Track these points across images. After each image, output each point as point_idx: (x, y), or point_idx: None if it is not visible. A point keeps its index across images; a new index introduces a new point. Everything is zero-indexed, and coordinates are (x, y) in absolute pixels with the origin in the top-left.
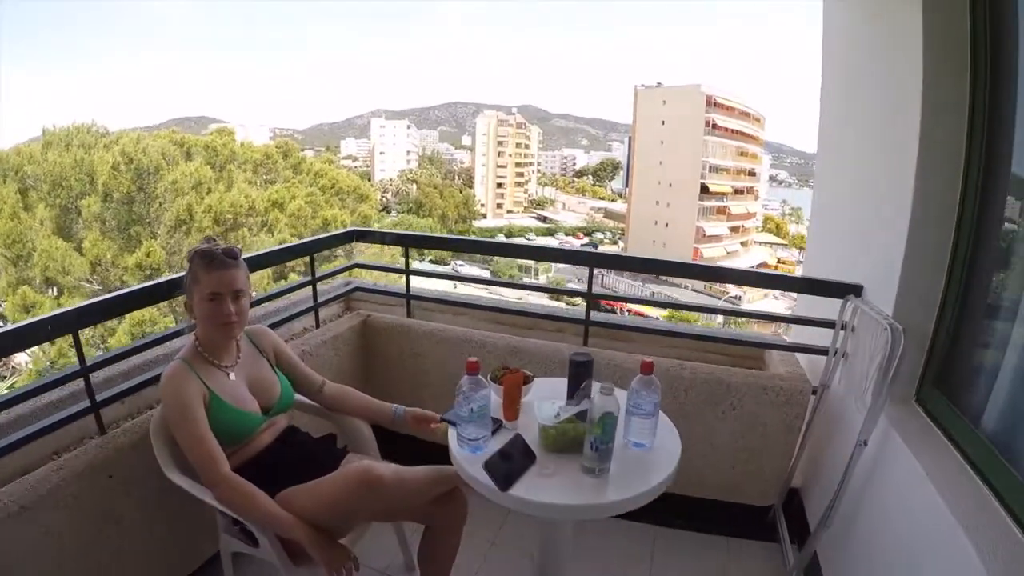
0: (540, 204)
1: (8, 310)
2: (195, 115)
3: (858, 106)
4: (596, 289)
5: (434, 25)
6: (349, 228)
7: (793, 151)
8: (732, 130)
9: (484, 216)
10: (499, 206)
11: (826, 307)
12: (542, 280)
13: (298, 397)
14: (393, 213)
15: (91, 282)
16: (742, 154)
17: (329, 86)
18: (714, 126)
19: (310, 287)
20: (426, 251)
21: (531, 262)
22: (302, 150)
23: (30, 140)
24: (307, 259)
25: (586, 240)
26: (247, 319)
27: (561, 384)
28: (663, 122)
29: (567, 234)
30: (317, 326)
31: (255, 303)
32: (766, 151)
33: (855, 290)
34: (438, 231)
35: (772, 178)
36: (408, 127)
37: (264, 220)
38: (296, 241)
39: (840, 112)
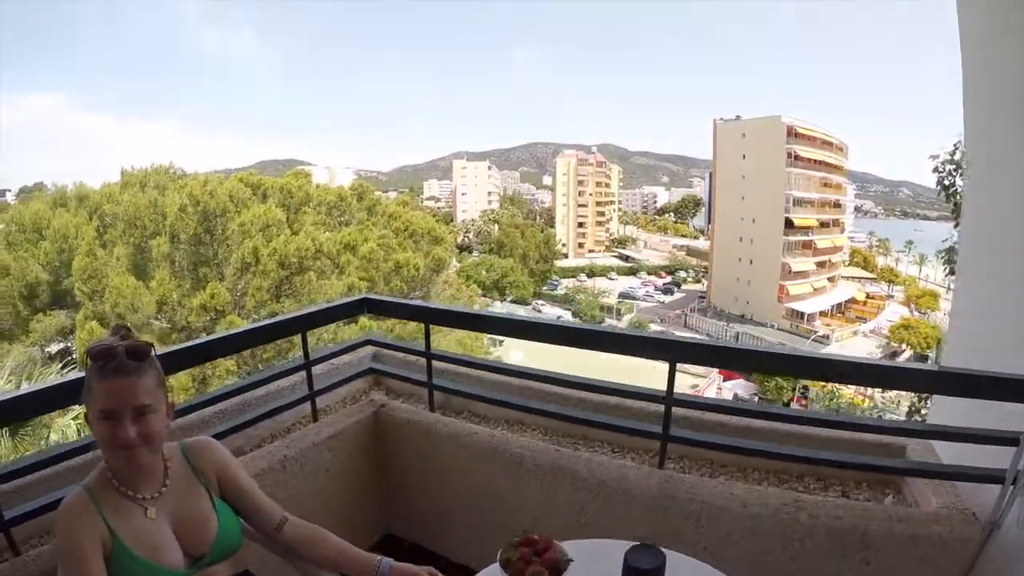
0: (622, 243)
1: (78, 343)
2: (283, 158)
3: None
4: (677, 329)
5: (513, 68)
6: (358, 296)
7: (877, 179)
8: (815, 160)
9: (566, 255)
10: (580, 245)
11: (987, 410)
12: (624, 322)
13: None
14: (475, 253)
15: (159, 320)
16: (826, 185)
17: (412, 129)
18: (796, 157)
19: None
20: (509, 291)
21: (613, 302)
22: (386, 191)
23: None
24: (317, 332)
25: (668, 279)
26: (161, 440)
27: (613, 561)
28: (744, 156)
29: (649, 273)
30: (314, 419)
31: (233, 392)
32: (850, 181)
33: None
34: (519, 271)
35: (857, 209)
36: (489, 168)
37: (336, 263)
38: (314, 307)
39: (1005, 140)
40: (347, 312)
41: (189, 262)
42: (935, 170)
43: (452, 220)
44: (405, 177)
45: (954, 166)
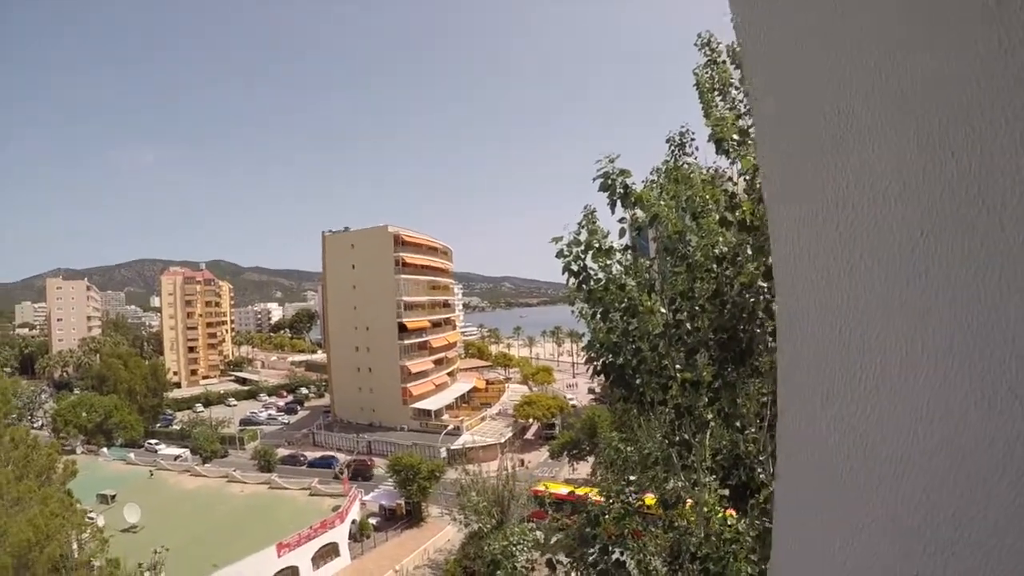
0: (238, 365)
1: None
2: None
3: None
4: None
5: (117, 175)
6: None
7: (481, 277)
8: (422, 265)
9: (178, 385)
10: (194, 372)
11: None
12: (249, 450)
13: None
14: (76, 391)
15: None
16: (434, 287)
17: (5, 241)
18: (404, 264)
19: None
20: (117, 433)
21: (234, 432)
22: None
23: None
24: None
25: (291, 398)
26: None
27: None
28: (353, 266)
29: (270, 394)
30: None
31: None
32: (456, 281)
33: None
34: (126, 409)
35: (466, 305)
36: (89, 288)
37: None
38: None
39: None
40: None
41: None
42: (560, 254)
43: (48, 351)
44: None
45: (581, 247)
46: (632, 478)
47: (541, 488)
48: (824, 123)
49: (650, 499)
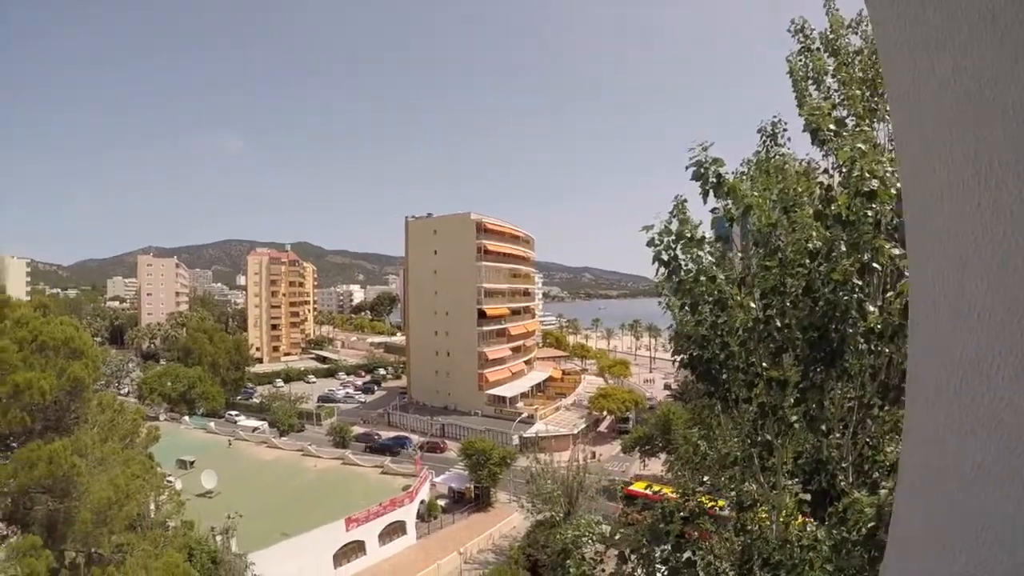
0: (319, 344)
1: None
2: None
3: None
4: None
5: (215, 158)
6: None
7: (561, 267)
8: (504, 253)
9: (260, 360)
10: (276, 349)
11: None
12: (325, 426)
13: None
14: (163, 361)
15: None
16: (515, 275)
17: (99, 219)
18: (486, 251)
19: None
20: (199, 403)
21: (312, 408)
22: (65, 289)
23: None
24: None
25: (368, 378)
26: None
27: None
28: (436, 252)
29: (348, 373)
30: None
31: None
32: (537, 270)
33: None
34: (208, 381)
35: (545, 295)
36: (177, 266)
37: None
38: None
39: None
40: None
41: None
42: (650, 243)
43: (137, 323)
44: (88, 272)
45: (672, 236)
46: (706, 479)
47: (634, 488)
48: (964, 95)
49: (720, 502)
